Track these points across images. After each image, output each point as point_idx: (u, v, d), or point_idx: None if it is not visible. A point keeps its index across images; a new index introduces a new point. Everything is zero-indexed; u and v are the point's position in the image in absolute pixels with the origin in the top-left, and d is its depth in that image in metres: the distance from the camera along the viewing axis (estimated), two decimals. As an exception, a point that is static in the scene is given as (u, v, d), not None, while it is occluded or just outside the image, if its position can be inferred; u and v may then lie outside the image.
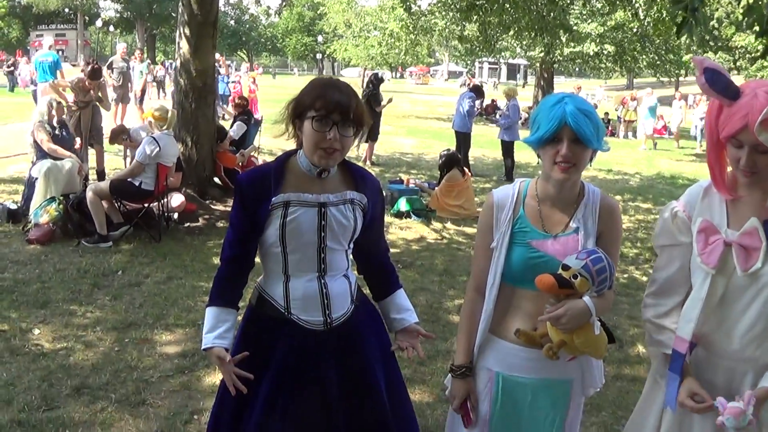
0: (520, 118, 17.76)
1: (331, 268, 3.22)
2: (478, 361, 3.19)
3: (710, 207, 2.87)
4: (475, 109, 18.52)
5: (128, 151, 12.11)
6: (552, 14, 19.51)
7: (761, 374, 2.75)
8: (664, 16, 20.55)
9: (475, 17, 22.71)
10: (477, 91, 18.98)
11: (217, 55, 27.85)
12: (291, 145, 3.23)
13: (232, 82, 27.53)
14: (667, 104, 57.42)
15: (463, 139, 17.75)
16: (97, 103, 13.22)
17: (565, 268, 2.88)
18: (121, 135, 10.94)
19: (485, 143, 21.03)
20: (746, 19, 7.28)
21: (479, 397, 3.18)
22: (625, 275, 9.53)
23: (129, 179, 9.38)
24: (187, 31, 11.13)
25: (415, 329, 3.48)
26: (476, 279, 3.20)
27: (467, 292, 3.30)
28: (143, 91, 25.43)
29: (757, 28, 7.19)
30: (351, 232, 3.22)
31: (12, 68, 39.53)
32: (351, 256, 3.38)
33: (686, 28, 7.02)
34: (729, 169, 2.82)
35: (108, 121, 16.02)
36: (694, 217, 2.87)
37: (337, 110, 2.98)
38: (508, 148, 17.36)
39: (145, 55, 34.76)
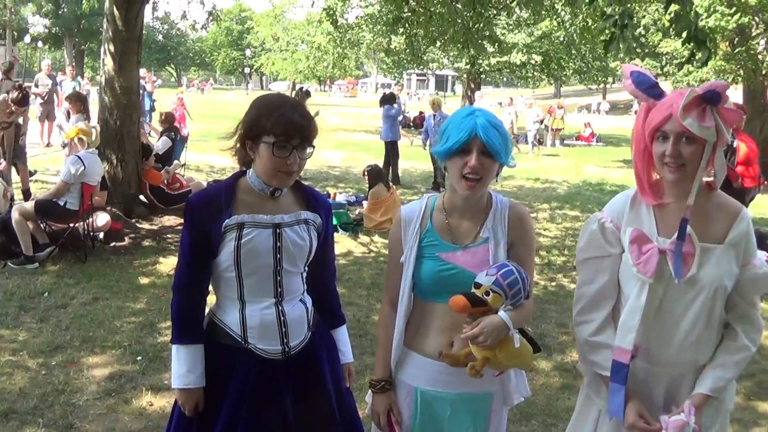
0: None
1: (287, 292, 3.17)
2: (397, 374, 3.22)
3: (638, 216, 2.93)
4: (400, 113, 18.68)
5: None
6: (478, 26, 19.63)
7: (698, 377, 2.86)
8: (590, 24, 20.86)
9: (401, 30, 22.89)
10: (390, 99, 19.14)
11: (143, 71, 27.58)
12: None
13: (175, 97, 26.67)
14: (594, 111, 58.60)
15: (392, 147, 18.02)
16: (20, 122, 13.01)
17: (477, 285, 2.88)
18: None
19: (413, 155, 21.15)
20: (674, 26, 7.39)
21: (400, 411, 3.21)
22: (553, 283, 9.66)
23: (54, 199, 9.27)
24: (111, 47, 11.07)
25: (349, 369, 3.56)
26: (389, 294, 3.24)
27: (382, 307, 3.34)
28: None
29: (684, 34, 7.32)
30: (307, 253, 3.19)
31: None
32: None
33: (614, 44, 7.15)
34: (656, 177, 2.89)
35: (34, 138, 15.73)
36: (623, 227, 2.91)
37: (298, 135, 2.96)
38: (435, 160, 17.41)
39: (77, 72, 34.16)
